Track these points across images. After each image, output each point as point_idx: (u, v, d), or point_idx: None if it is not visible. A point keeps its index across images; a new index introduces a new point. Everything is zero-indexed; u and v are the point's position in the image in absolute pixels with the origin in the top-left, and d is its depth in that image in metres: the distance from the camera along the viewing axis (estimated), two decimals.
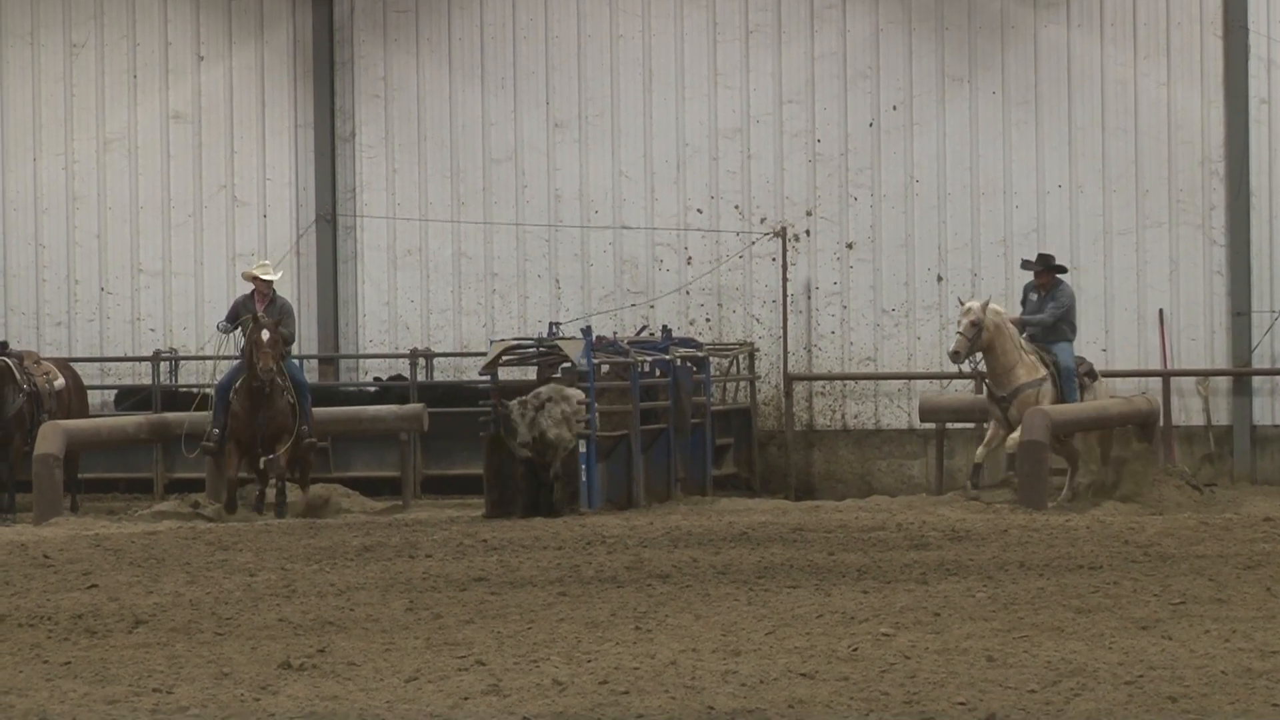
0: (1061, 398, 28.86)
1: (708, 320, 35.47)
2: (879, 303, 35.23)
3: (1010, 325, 28.66)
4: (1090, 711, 14.15)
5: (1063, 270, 29.90)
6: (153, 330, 36.10)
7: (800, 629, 18.76)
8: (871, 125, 34.93)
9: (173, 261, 36.79)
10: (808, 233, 35.24)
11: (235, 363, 30.88)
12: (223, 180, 36.61)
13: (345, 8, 36.03)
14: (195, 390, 34.97)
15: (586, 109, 36.01)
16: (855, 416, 35.53)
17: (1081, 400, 29.29)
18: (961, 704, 15.10)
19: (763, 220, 35.28)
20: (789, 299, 35.37)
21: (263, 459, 28.88)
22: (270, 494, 29.32)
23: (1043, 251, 33.54)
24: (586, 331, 31.82)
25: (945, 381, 35.41)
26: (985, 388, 29.12)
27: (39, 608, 20.02)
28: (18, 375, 31.68)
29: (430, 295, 36.15)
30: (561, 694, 15.02)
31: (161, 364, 36.05)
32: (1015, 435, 28.22)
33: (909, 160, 35.12)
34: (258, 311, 28.70)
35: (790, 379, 34.95)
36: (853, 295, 35.24)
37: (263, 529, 28.71)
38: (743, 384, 35.86)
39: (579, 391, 27.52)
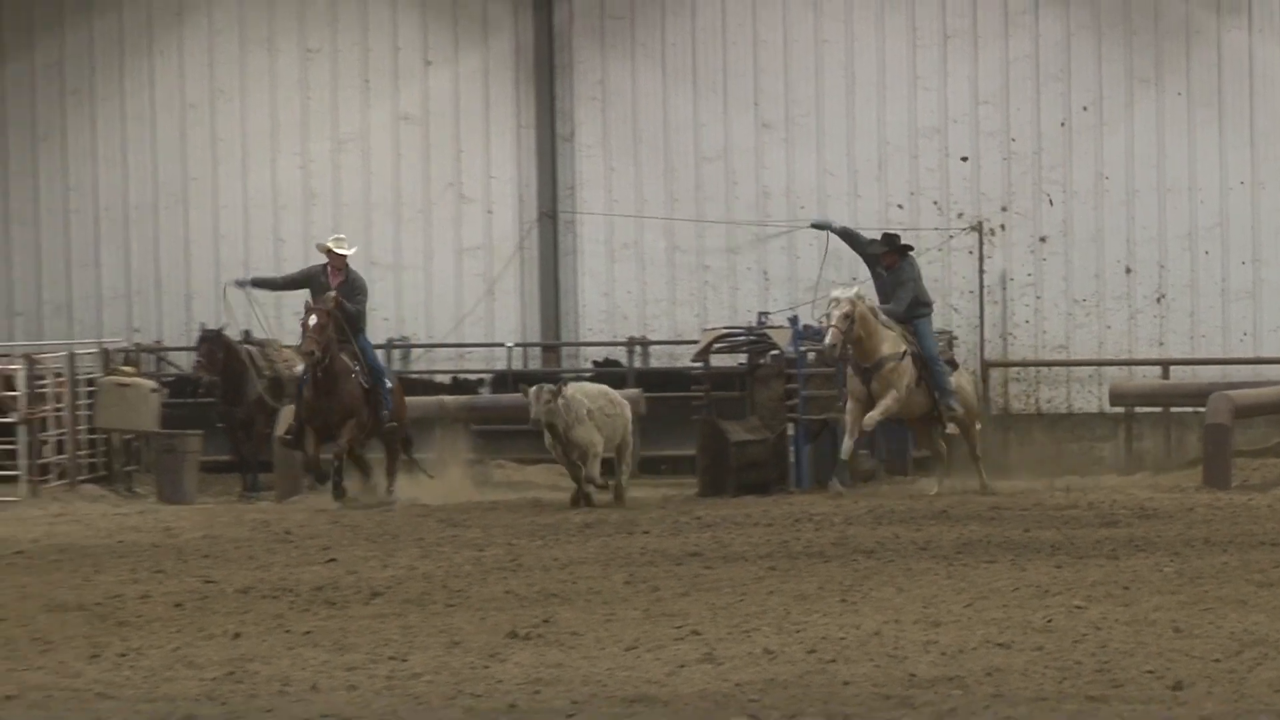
0: (920, 375, 28.10)
1: None
2: (1070, 293, 35.24)
3: (873, 307, 28.15)
4: (1272, 680, 14.19)
5: (908, 249, 28.99)
6: (385, 319, 35.84)
7: (997, 601, 18.85)
8: (1063, 125, 34.90)
9: (403, 255, 36.90)
10: (1003, 227, 35.34)
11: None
12: (450, 178, 36.75)
13: (565, 15, 36.00)
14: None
15: (793, 110, 35.97)
16: (1048, 401, 35.57)
17: (946, 382, 28.31)
18: (1150, 672, 15.16)
19: (960, 215, 35.48)
20: (985, 290, 35.46)
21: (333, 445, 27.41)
22: (377, 476, 27.90)
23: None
24: (794, 321, 31.91)
25: (1133, 368, 35.18)
26: (850, 363, 28.02)
27: (281, 581, 20.37)
28: (259, 362, 32.09)
29: (646, 286, 36.16)
30: (772, 662, 15.17)
31: (394, 351, 36.24)
32: (874, 414, 27.59)
33: (1098, 158, 35.10)
34: (330, 284, 27.39)
35: (987, 365, 35.17)
36: (1046, 286, 35.30)
37: (490, 507, 28.44)
38: None
39: (616, 394, 26.93)
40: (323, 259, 27.77)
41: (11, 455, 32.12)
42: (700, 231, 35.55)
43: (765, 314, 33.45)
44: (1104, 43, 35.01)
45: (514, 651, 16.04)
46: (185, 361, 35.85)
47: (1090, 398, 34.89)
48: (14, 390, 32.03)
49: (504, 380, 35.32)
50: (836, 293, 27.69)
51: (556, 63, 36.04)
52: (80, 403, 32.66)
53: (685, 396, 32.50)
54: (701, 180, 35.66)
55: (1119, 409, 34.11)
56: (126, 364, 34.66)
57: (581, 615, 17.80)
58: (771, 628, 17.16)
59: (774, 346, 31.41)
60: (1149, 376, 34.89)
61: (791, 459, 30.95)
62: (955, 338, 35.45)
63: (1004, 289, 35.39)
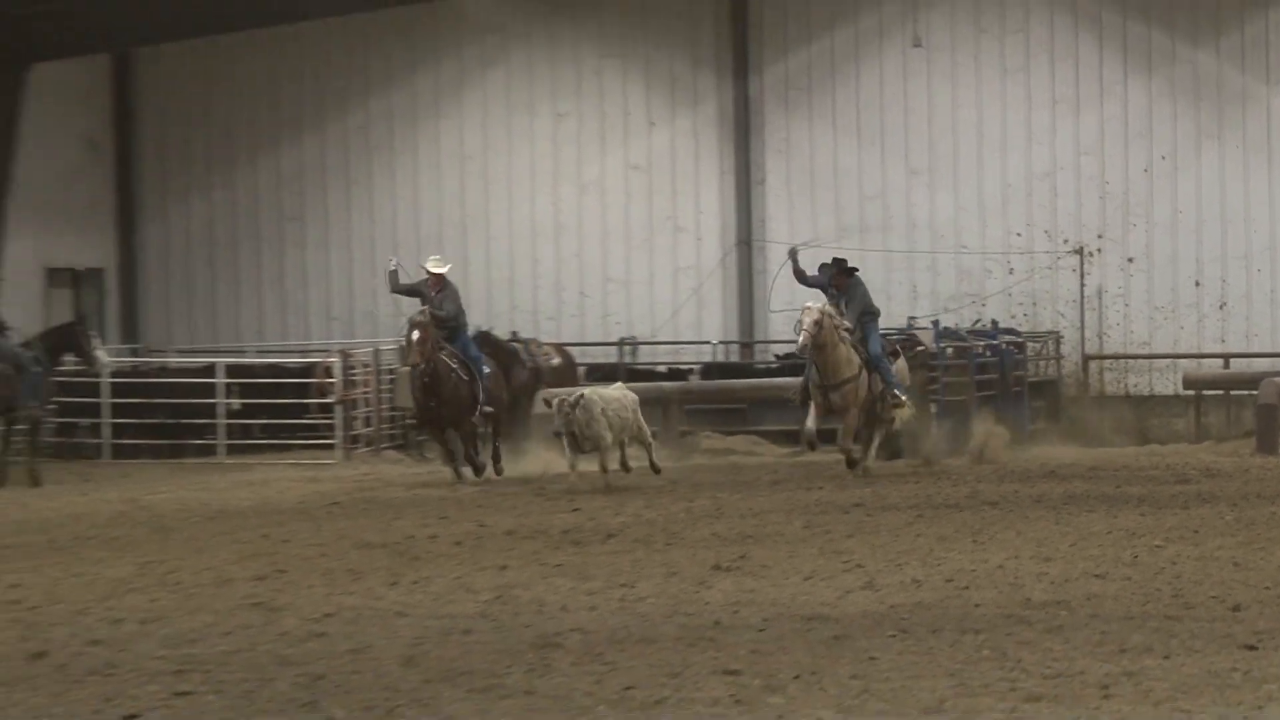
0: (874, 381, 26.43)
1: (1025, 315, 34.95)
2: (1152, 302, 34.74)
3: (838, 322, 26.31)
4: None
5: (854, 270, 26.92)
6: (618, 324, 35.86)
7: (1094, 542, 18.88)
8: (1146, 171, 34.44)
9: (632, 273, 36.32)
10: (1099, 250, 34.83)
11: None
12: (668, 214, 36.14)
13: (757, 86, 35.39)
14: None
15: (934, 159, 35.49)
16: (1134, 386, 35.12)
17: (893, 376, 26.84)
18: (1214, 598, 15.13)
19: (1065, 241, 34.94)
20: (1085, 300, 34.93)
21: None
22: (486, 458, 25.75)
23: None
24: (935, 324, 32.04)
25: (1201, 360, 34.71)
26: (814, 375, 25.98)
27: (537, 525, 20.51)
28: (523, 355, 31.60)
29: (819, 297, 35.03)
30: (919, 589, 15.22)
31: (625, 348, 35.87)
32: (846, 441, 25.83)
33: (1174, 196, 34.66)
34: (431, 294, 24.87)
35: (1087, 358, 34.81)
36: (1132, 297, 34.81)
37: (695, 467, 28.17)
38: (1050, 362, 35.55)
39: (629, 394, 24.84)
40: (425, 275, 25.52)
41: (330, 429, 32.14)
42: (863, 255, 34.31)
43: (913, 318, 33.33)
44: (1178, 106, 34.63)
45: (718, 580, 16.07)
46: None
47: (1167, 383, 34.43)
48: (332, 378, 31.97)
49: (710, 370, 34.92)
50: (809, 304, 26.21)
51: (751, 124, 35.37)
52: (383, 387, 32.27)
53: None
54: (863, 215, 35.15)
55: (1190, 392, 33.73)
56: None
57: (770, 552, 17.84)
58: (918, 562, 17.12)
59: (920, 344, 30.94)
60: (1214, 367, 34.48)
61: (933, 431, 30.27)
62: (1062, 337, 35.18)
63: (1100, 299, 34.77)
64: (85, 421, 32.48)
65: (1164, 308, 34.15)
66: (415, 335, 24.10)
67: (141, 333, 36.61)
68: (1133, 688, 11.84)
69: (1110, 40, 34.97)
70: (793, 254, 29.22)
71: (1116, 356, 34.56)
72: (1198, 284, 33.91)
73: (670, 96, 35.67)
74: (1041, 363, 34.77)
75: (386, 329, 35.00)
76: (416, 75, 36.35)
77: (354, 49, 36.66)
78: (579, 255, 36.17)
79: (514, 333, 32.63)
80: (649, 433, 24.89)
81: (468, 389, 24.50)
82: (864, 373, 25.70)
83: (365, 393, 31.86)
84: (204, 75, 36.60)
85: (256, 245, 36.87)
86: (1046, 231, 34.01)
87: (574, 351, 34.04)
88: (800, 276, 28.61)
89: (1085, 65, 34.76)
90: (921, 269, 34.50)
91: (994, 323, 33.01)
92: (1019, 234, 34.26)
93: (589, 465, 24.59)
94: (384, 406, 32.21)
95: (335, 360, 31.48)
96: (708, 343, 35.53)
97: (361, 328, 36.34)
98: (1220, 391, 33.27)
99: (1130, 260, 34.14)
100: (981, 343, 32.70)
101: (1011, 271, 34.22)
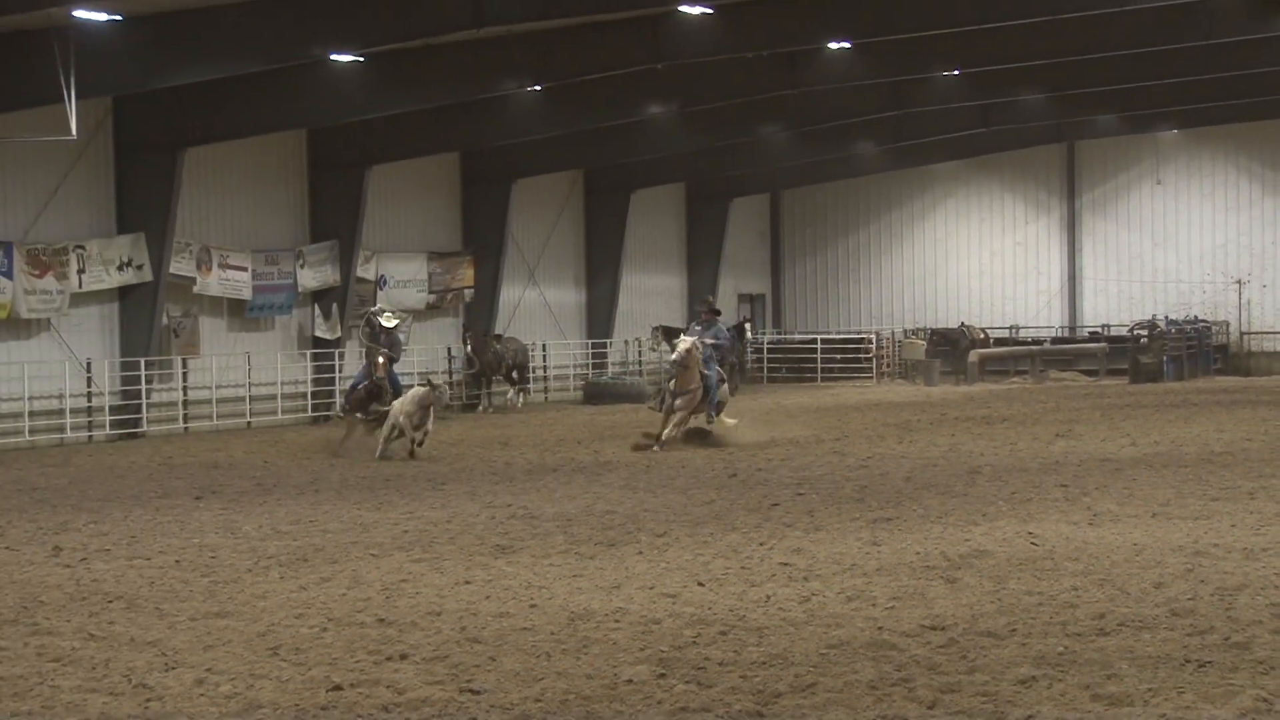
0: (704, 397, 26.68)
1: (1211, 312, 49.97)
2: (1275, 307, 48.80)
3: (701, 350, 26.60)
4: None
5: (718, 312, 28.54)
6: (1007, 318, 50.23)
7: (1239, 420, 29.64)
8: (1274, 243, 49.77)
9: (1016, 295, 51.06)
10: (1249, 280, 49.83)
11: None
12: (1034, 265, 51.40)
13: (1080, 203, 51.18)
14: None
15: (1167, 237, 50.37)
16: (1268, 347, 48.07)
17: (715, 397, 26.84)
18: None
19: (1231, 276, 49.79)
20: (1241, 304, 49.41)
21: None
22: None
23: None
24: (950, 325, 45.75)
25: None
26: (670, 385, 26.63)
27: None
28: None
29: (1136, 303, 51.45)
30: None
31: (1011, 331, 49.24)
32: (672, 430, 26.39)
33: None
34: (384, 342, 27.13)
35: (1243, 334, 49.67)
36: (1265, 304, 49.32)
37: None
38: (1223, 336, 49.40)
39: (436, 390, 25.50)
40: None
41: (868, 368, 47.09)
42: (1130, 284, 50.24)
43: (1154, 315, 47.50)
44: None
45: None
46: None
47: None
48: (871, 345, 47.93)
49: (1055, 340, 48.52)
50: (685, 337, 27.21)
51: (1074, 223, 52.22)
52: (896, 351, 48.30)
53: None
54: (1131, 266, 50.65)
55: None
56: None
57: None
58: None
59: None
60: None
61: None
62: (1229, 323, 49.59)
63: (1248, 305, 50.10)
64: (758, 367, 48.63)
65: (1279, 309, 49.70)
66: (381, 360, 26.44)
67: (783, 323, 54.40)
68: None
69: (1255, 177, 50.54)
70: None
71: (1257, 333, 49.93)
72: None
73: (1036, 207, 52.64)
74: (1220, 336, 49.81)
75: (896, 324, 50.24)
76: (914, 201, 53.88)
77: (887, 188, 53.60)
78: (991, 287, 52.79)
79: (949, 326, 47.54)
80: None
81: (385, 397, 26.15)
82: (700, 390, 26.52)
83: (885, 353, 48.50)
84: (814, 198, 54.23)
85: (839, 284, 54.19)
86: (1222, 272, 50.45)
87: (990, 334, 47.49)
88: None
89: (1241, 190, 50.53)
90: (1160, 289, 50.35)
91: (1195, 316, 49.20)
92: (1208, 273, 50.37)
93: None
94: (898, 359, 47.90)
95: (872, 336, 49.75)
96: (1050, 326, 51.21)
97: (882, 322, 51.80)
98: None
99: (1264, 286, 50.22)
100: (1190, 324, 48.29)
101: (1204, 291, 50.43)
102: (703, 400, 26.28)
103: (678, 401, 25.94)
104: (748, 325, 48.18)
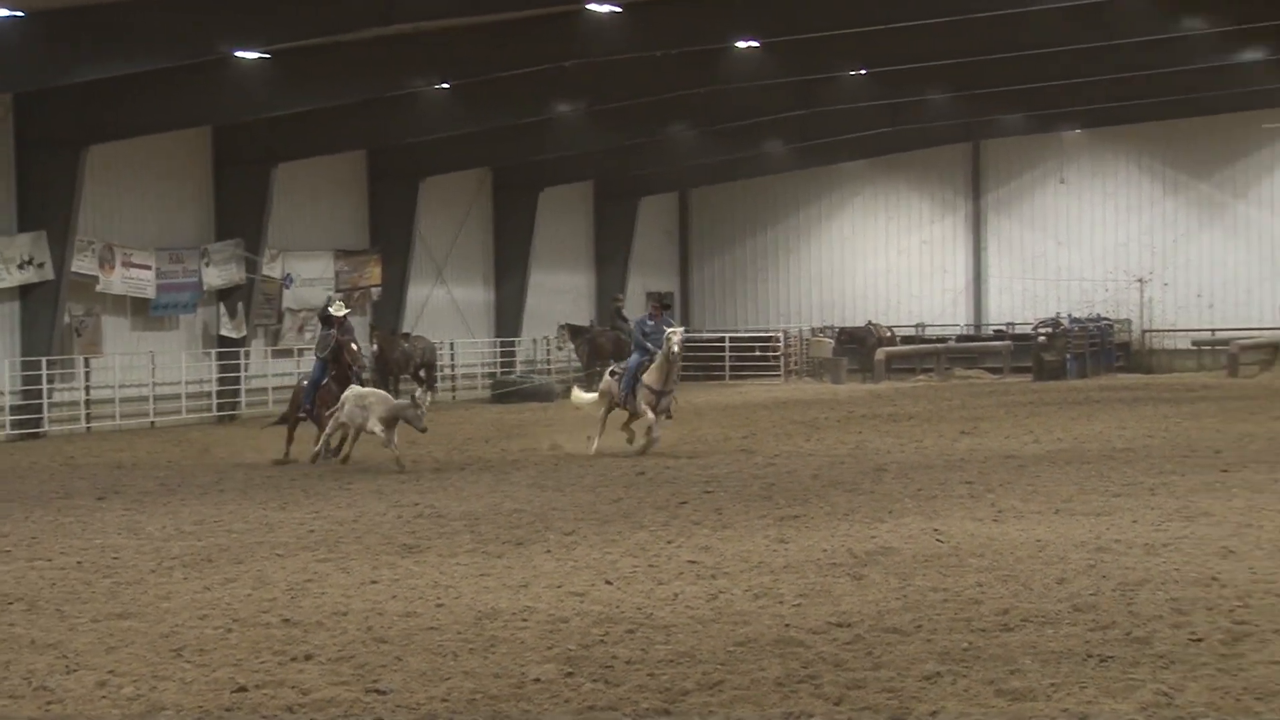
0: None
1: (1113, 310, 50.44)
2: (1174, 304, 49.93)
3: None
4: None
5: (668, 306, 26.47)
6: (913, 315, 50.94)
7: (1140, 417, 30.13)
8: (1174, 242, 50.26)
9: (922, 292, 51.78)
10: (1150, 279, 50.19)
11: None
12: (940, 263, 52.11)
13: (985, 202, 51.66)
14: None
15: (1072, 237, 51.21)
16: (1167, 345, 49.07)
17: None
18: (1209, 446, 25.96)
19: (1134, 275, 50.15)
20: (1143, 303, 49.99)
21: None
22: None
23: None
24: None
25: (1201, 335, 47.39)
26: (652, 382, 24.93)
27: None
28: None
29: (1031, 301, 53.52)
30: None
31: (917, 329, 50.02)
32: (654, 423, 24.98)
33: (1186, 253, 49.84)
34: (336, 327, 25.51)
35: (1144, 331, 50.24)
36: (1166, 302, 50.19)
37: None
38: (1125, 333, 50.00)
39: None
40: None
41: (776, 366, 47.03)
42: (1034, 281, 50.70)
43: (1058, 314, 47.84)
44: (1188, 210, 50.41)
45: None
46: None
47: (1184, 343, 49.05)
48: (778, 343, 48.61)
49: (960, 339, 48.93)
50: (676, 329, 25.57)
51: (980, 222, 52.54)
52: (802, 350, 48.52)
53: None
54: (1034, 263, 51.45)
55: (1194, 348, 48.29)
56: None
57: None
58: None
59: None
60: (1205, 335, 47.85)
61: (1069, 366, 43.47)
62: (1131, 320, 49.87)
63: (1150, 303, 50.56)
64: None
65: (1181, 307, 50.29)
66: (356, 347, 25.29)
67: (691, 321, 53.52)
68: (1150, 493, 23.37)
69: (1156, 177, 50.80)
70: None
71: (1158, 330, 50.66)
72: (1198, 295, 50.33)
73: (942, 206, 53.15)
74: (1122, 334, 50.17)
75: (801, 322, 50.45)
76: (821, 200, 54.00)
77: (795, 187, 53.61)
78: (897, 285, 53.15)
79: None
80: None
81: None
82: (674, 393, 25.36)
83: (792, 351, 48.23)
84: (723, 197, 54.09)
85: (748, 282, 54.51)
86: (1124, 271, 50.94)
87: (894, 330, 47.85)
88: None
89: (1143, 189, 50.98)
90: (1064, 287, 50.70)
91: (1098, 315, 49.39)
92: (1110, 271, 50.91)
93: None
94: (805, 358, 47.78)
95: (780, 334, 49.80)
96: (955, 325, 51.67)
97: (790, 320, 52.45)
98: (1208, 347, 48.04)
99: (1165, 284, 50.79)
100: (1093, 322, 48.36)
101: (1107, 289, 50.89)
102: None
103: (663, 401, 24.90)
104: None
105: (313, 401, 25.00)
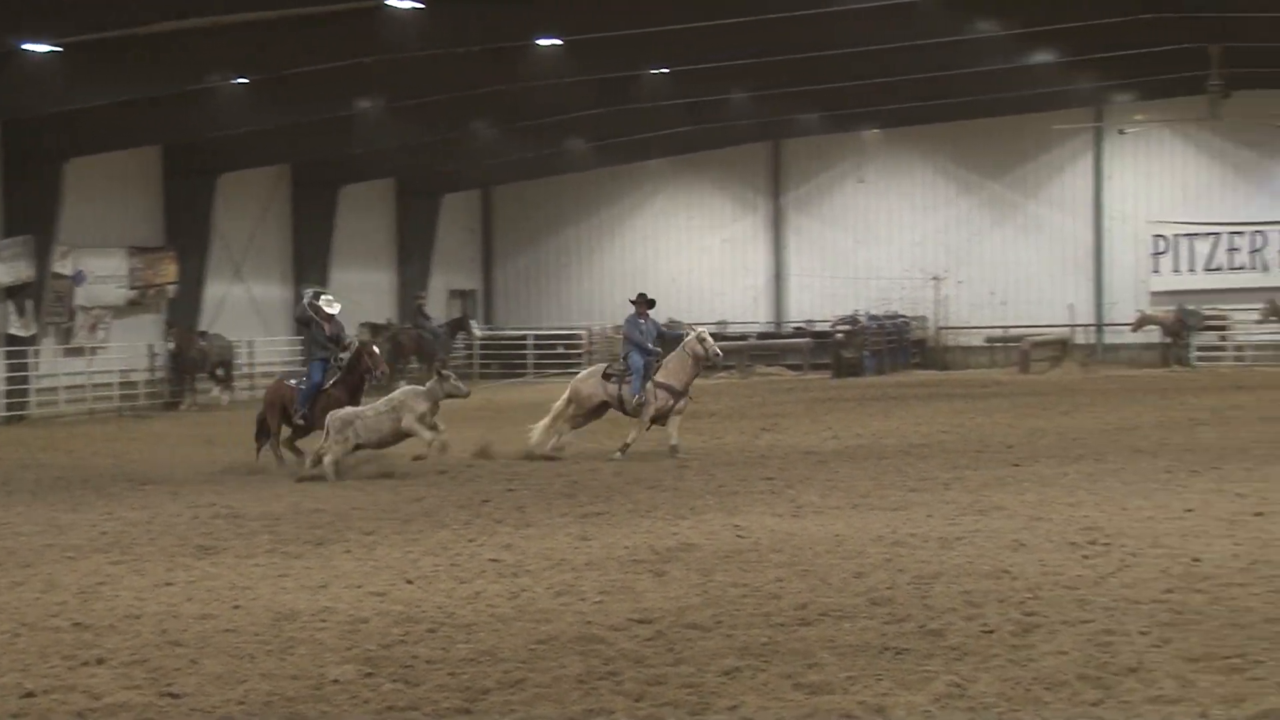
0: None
1: (910, 307, 50.57)
2: (969, 302, 50.33)
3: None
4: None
5: (653, 303, 24.85)
6: (715, 313, 50.94)
7: (933, 413, 30.53)
8: (968, 240, 50.69)
9: (724, 289, 51.96)
10: (945, 276, 50.57)
11: None
12: (743, 264, 51.91)
13: (785, 201, 51.73)
14: None
15: (871, 235, 51.52)
16: (962, 342, 49.84)
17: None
18: (1000, 441, 28.75)
19: (929, 273, 50.59)
20: (938, 300, 50.39)
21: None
22: None
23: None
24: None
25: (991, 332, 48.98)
26: (673, 383, 24.26)
27: None
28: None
29: (814, 300, 51.86)
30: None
31: (720, 325, 48.96)
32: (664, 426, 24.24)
33: (980, 252, 50.18)
34: (326, 326, 23.60)
35: (939, 328, 50.27)
36: (961, 299, 50.39)
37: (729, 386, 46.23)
38: (921, 330, 50.13)
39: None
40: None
41: (578, 362, 45.43)
42: (836, 278, 50.59)
43: (856, 311, 48.25)
44: (982, 209, 51.00)
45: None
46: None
47: (977, 340, 49.42)
48: (581, 341, 47.37)
49: (762, 336, 48.74)
50: (700, 328, 25.64)
51: (780, 220, 52.52)
52: (605, 343, 50.76)
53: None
54: (836, 261, 51.41)
55: (987, 345, 48.86)
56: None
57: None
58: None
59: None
60: (997, 333, 48.06)
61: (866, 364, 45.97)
62: (927, 317, 50.08)
63: (945, 300, 50.65)
64: (468, 363, 48.26)
65: (975, 304, 50.39)
66: (377, 350, 23.69)
67: (493, 319, 53.31)
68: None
69: (951, 177, 51.03)
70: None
71: (952, 327, 50.73)
72: (991, 293, 50.50)
73: (743, 205, 52.87)
74: (918, 331, 50.19)
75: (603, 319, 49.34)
76: (624, 198, 53.56)
77: (597, 185, 53.12)
78: (700, 283, 52.55)
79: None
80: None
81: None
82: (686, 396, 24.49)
83: (595, 348, 47.28)
84: (525, 195, 53.44)
85: (551, 281, 53.84)
86: (921, 269, 50.88)
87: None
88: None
89: (938, 189, 51.23)
90: (863, 285, 50.54)
91: (895, 312, 49.56)
92: (907, 269, 50.84)
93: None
94: (611, 355, 42.34)
95: (583, 332, 49.38)
96: (757, 322, 51.33)
97: (593, 318, 51.18)
98: (1001, 344, 48.14)
99: (960, 282, 50.76)
100: (890, 320, 48.67)
101: (904, 287, 50.55)
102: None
103: (680, 402, 24.26)
104: (472, 321, 48.93)
105: (311, 408, 23.10)
